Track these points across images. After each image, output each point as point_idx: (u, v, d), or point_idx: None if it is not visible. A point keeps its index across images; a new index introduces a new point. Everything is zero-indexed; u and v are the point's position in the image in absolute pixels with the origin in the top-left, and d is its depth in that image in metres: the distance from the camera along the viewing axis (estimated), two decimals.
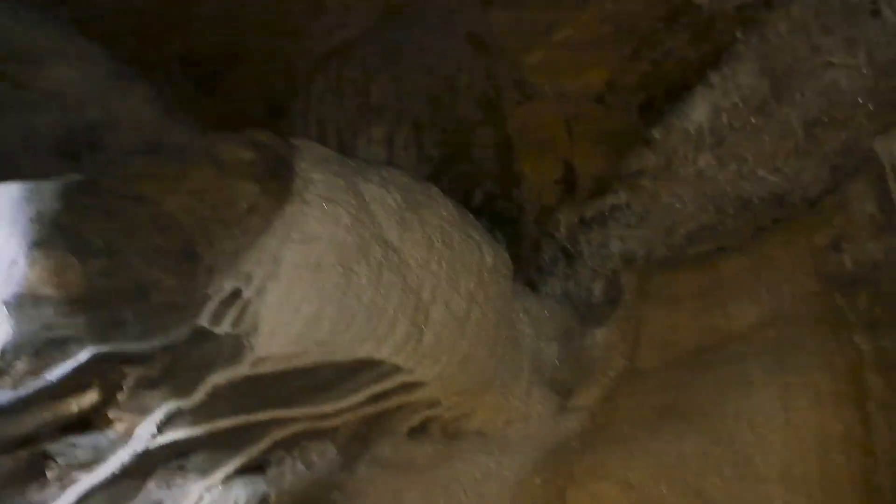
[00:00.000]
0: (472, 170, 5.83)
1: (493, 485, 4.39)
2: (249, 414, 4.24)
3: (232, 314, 3.75)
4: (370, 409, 4.68)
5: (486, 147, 5.79)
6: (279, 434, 4.55)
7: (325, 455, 4.72)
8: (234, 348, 3.85)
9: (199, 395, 3.90)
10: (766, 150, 5.02)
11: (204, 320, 3.73)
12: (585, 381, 5.39)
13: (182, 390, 3.95)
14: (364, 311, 3.98)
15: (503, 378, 4.94)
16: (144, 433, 4.05)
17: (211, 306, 3.72)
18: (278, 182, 3.91)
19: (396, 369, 4.47)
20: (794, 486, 3.86)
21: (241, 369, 3.85)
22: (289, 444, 4.72)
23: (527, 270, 6.43)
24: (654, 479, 4.12)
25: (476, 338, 4.66)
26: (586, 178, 5.68)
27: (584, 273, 6.29)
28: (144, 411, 4.02)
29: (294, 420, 4.54)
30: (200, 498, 4.54)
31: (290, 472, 4.63)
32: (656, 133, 5.10)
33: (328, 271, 3.87)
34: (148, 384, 3.94)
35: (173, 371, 3.90)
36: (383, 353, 4.17)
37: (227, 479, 4.58)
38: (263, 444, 4.55)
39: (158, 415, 4.00)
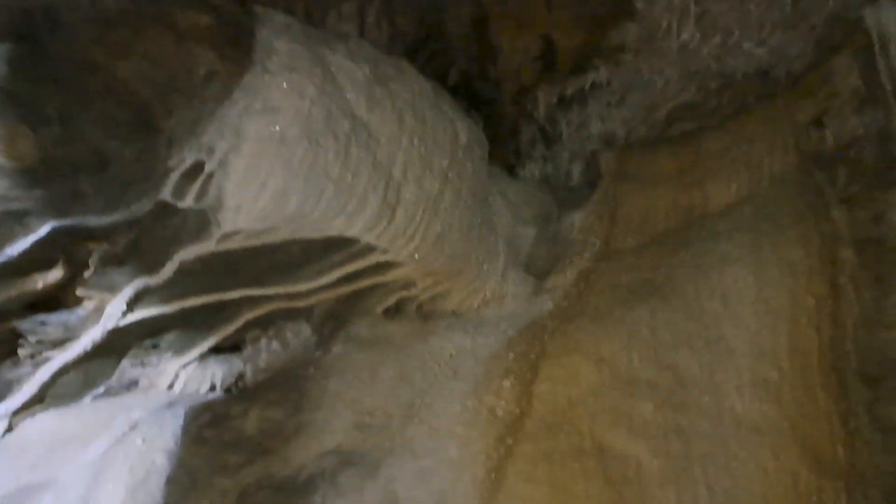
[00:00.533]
0: (447, 47, 5.57)
1: (467, 360, 4.43)
2: (220, 292, 4.20)
3: (195, 188, 3.63)
4: (345, 289, 4.66)
5: (461, 22, 5.52)
6: (252, 313, 4.53)
7: (300, 334, 4.73)
8: (200, 224, 3.75)
9: (166, 271, 3.83)
10: (751, 21, 4.82)
11: (166, 194, 3.61)
12: (561, 263, 5.39)
13: (149, 267, 3.88)
14: (332, 187, 3.87)
15: (478, 260, 4.91)
16: (115, 311, 4.01)
17: (172, 179, 3.59)
18: (238, 49, 3.70)
19: (370, 249, 4.41)
20: (763, 358, 3.91)
21: (208, 245, 3.77)
22: (264, 324, 4.72)
23: (504, 154, 6.31)
24: (625, 352, 4.16)
25: (450, 218, 4.59)
26: (566, 55, 5.46)
27: (562, 156, 6.19)
28: (113, 289, 3.96)
29: (267, 299, 4.51)
30: (176, 376, 4.57)
31: (266, 350, 4.65)
32: (639, 3, 4.86)
33: (293, 145, 3.72)
34: (114, 261, 3.86)
35: (139, 247, 3.81)
36: (355, 231, 4.10)
37: (203, 358, 4.61)
38: (237, 323, 4.54)
39: (127, 292, 3.95)
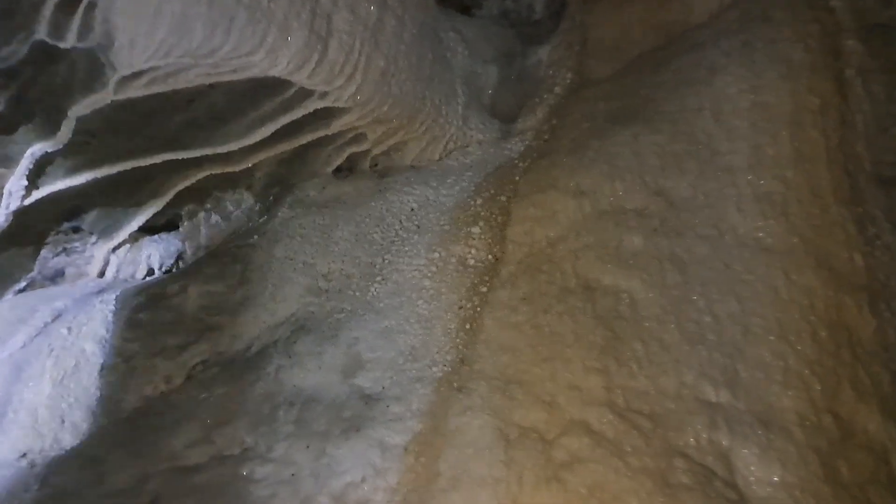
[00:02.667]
0: None
1: (431, 212, 3.93)
2: (136, 158, 3.60)
3: (75, 22, 2.96)
4: (285, 147, 4.09)
5: None
6: (182, 183, 3.97)
7: (241, 204, 4.19)
8: (91, 69, 3.12)
9: (64, 132, 3.24)
10: None
11: (42, 32, 2.95)
12: (530, 103, 4.82)
13: (42, 128, 3.28)
14: (245, 13, 3.22)
15: (434, 102, 4.32)
16: (15, 188, 3.42)
17: (45, 13, 2.92)
18: None
19: (305, 93, 3.81)
20: (765, 170, 3.43)
21: (105, 95, 3.15)
22: (200, 197, 4.17)
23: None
24: (608, 182, 3.67)
25: (394, 50, 3.95)
26: None
27: None
28: (8, 162, 3.36)
29: (195, 164, 3.94)
30: (106, 262, 4.05)
31: (205, 225, 4.12)
32: None
33: None
34: (1, 127, 3.23)
35: (26, 105, 3.18)
36: (281, 69, 3.47)
37: (135, 239, 4.07)
38: (166, 196, 3.99)
39: (25, 164, 3.35)
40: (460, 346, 3.18)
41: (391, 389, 3.03)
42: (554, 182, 3.76)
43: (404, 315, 3.34)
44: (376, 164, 4.53)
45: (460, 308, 3.35)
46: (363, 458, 2.74)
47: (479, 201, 3.90)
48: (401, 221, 3.93)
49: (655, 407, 2.79)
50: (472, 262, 3.58)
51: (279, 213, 4.00)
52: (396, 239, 3.82)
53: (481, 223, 3.72)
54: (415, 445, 2.85)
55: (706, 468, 2.59)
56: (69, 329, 3.38)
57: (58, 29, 2.99)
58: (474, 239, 3.66)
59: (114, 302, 3.56)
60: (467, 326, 3.27)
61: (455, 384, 3.03)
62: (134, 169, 3.67)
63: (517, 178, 3.98)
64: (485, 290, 3.43)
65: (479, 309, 3.33)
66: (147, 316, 3.48)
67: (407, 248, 3.72)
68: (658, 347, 2.97)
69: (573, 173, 3.77)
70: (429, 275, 3.53)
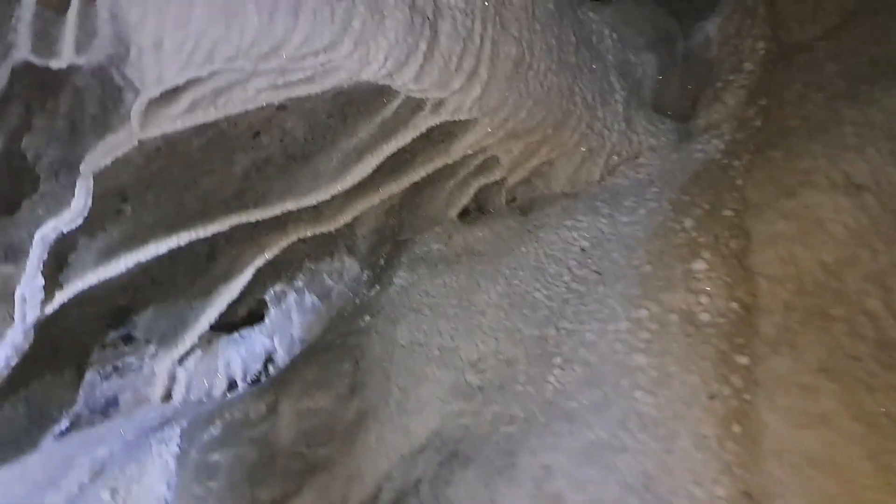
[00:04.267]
0: None
1: (613, 249, 2.65)
2: (191, 226, 2.51)
3: (70, 27, 1.94)
4: (392, 189, 2.93)
5: None
6: (262, 256, 2.86)
7: (343, 275, 3.03)
8: (103, 94, 2.09)
9: (80, 198, 2.19)
10: None
11: (23, 48, 1.94)
12: (708, 92, 3.49)
13: (51, 197, 2.25)
14: None
15: (586, 101, 3.09)
16: (32, 292, 2.40)
17: (24, 15, 1.91)
18: None
19: (414, 106, 2.67)
20: None
21: (128, 133, 2.09)
22: (287, 272, 3.06)
23: None
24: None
25: (528, 32, 2.79)
26: None
27: None
28: (14, 256, 2.36)
29: (277, 228, 2.83)
30: (172, 378, 2.96)
31: (298, 311, 2.98)
32: None
33: None
34: None
35: (20, 165, 2.17)
36: (377, 67, 2.34)
37: (208, 342, 2.97)
38: (242, 276, 2.89)
39: (38, 254, 2.33)
40: (734, 468, 1.82)
41: None
42: (807, 177, 2.42)
43: (617, 419, 2.03)
44: (513, 199, 3.32)
45: (711, 397, 2.01)
46: None
47: (688, 223, 2.58)
48: (570, 269, 2.66)
49: None
50: (705, 316, 2.24)
51: (395, 280, 2.82)
52: (570, 295, 2.55)
53: (705, 254, 2.40)
54: None
55: None
56: (113, 492, 2.27)
57: (45, 39, 1.97)
58: (699, 280, 2.33)
59: (178, 440, 2.44)
60: (735, 429, 1.91)
61: None
62: (191, 244, 2.59)
63: (738, 181, 2.65)
64: (745, 360, 2.08)
65: (746, 396, 1.98)
66: (224, 457, 2.33)
67: (592, 308, 2.44)
68: None
69: (834, 160, 2.42)
70: (640, 346, 2.22)
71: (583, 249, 2.73)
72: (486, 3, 2.67)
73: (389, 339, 2.50)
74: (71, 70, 2.03)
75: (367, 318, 2.66)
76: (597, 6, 3.80)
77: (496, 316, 2.51)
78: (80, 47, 1.99)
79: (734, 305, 2.25)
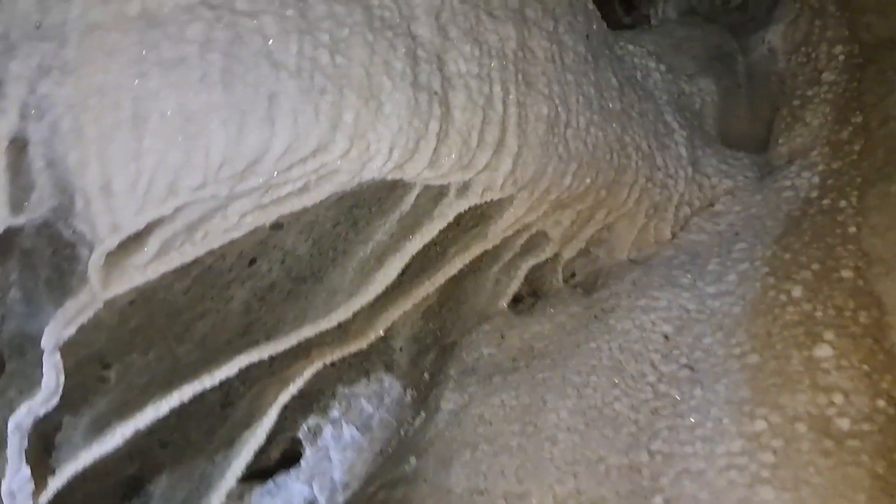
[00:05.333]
0: None
1: (705, 335, 2.15)
2: (193, 377, 2.13)
3: (0, 184, 1.61)
4: (426, 289, 2.52)
5: None
6: (286, 391, 2.46)
7: (384, 397, 2.61)
8: (54, 254, 1.73)
9: (50, 375, 1.83)
10: None
11: None
12: (784, 112, 2.97)
13: (21, 377, 1.91)
14: (293, 82, 1.76)
15: (641, 149, 2.63)
16: (19, 485, 2.06)
17: None
18: None
19: (436, 195, 2.27)
20: None
21: (89, 295, 1.72)
22: (318, 402, 2.64)
23: (611, 16, 4.00)
24: None
25: (560, 85, 2.36)
26: None
27: None
28: None
29: (299, 358, 2.43)
30: None
31: (335, 448, 2.56)
32: None
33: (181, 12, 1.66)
34: None
35: None
36: (381, 161, 1.95)
37: (239, 497, 2.57)
38: (268, 418, 2.48)
39: (17, 444, 1.99)
40: None
41: None
42: None
43: None
44: (573, 275, 2.84)
45: None
46: None
47: (796, 292, 2.06)
48: (654, 365, 2.16)
49: None
50: (844, 423, 1.71)
51: (442, 403, 2.37)
52: (660, 403, 2.05)
53: (828, 335, 1.87)
54: None
55: None
56: None
57: None
58: (827, 371, 1.80)
59: None
60: None
61: None
62: (199, 395, 2.20)
63: (851, 227, 2.12)
64: None
65: None
66: None
67: (691, 420, 1.93)
68: None
69: None
70: (764, 474, 1.70)
71: (666, 337, 2.23)
72: (504, 62, 2.25)
73: (442, 489, 2.03)
74: (11, 233, 1.69)
75: (413, 460, 2.20)
76: (636, 35, 3.35)
77: (571, 442, 2.01)
78: (15, 206, 1.66)
79: (881, 404, 1.71)
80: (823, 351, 1.84)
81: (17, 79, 1.60)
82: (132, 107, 1.63)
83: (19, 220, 1.68)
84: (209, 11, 1.76)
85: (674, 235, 2.75)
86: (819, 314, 1.93)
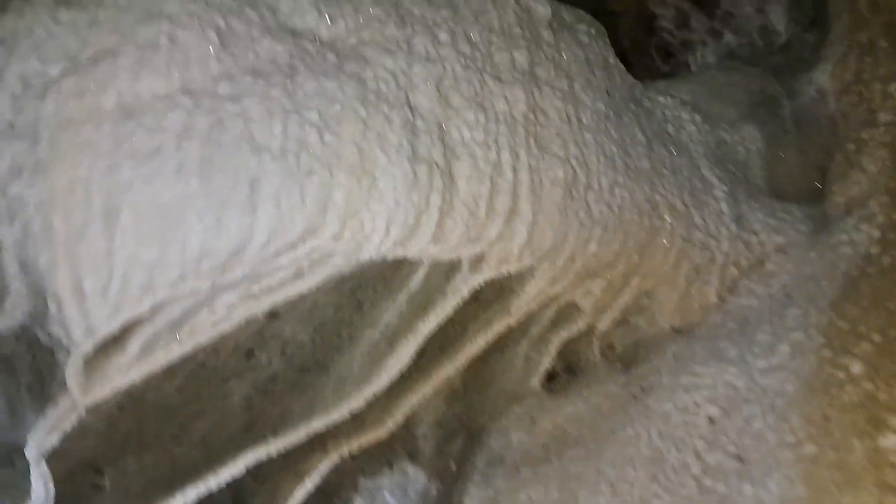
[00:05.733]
0: None
1: (756, 414, 1.89)
2: (196, 479, 2.01)
3: None
4: (447, 370, 2.34)
5: None
6: (300, 486, 2.31)
7: (408, 490, 2.43)
8: (33, 359, 1.66)
9: (38, 487, 1.76)
10: None
11: None
12: (838, 158, 2.72)
13: (14, 488, 1.83)
14: (274, 163, 1.66)
15: (675, 212, 2.42)
16: None
17: None
18: None
19: (446, 271, 2.12)
20: None
21: (69, 401, 1.63)
22: (338, 496, 2.47)
23: (646, 60, 3.84)
24: None
25: (576, 146, 2.20)
26: None
27: (742, 13, 3.60)
28: None
29: (316, 450, 2.28)
30: None
31: None
32: None
33: (144, 111, 1.60)
34: None
35: None
36: (378, 240, 1.83)
37: None
38: None
39: None
40: None
41: None
42: None
43: None
44: (612, 346, 2.60)
45: None
46: None
47: (855, 368, 1.79)
48: (698, 455, 1.91)
49: None
50: None
51: (466, 499, 2.16)
52: (704, 499, 1.78)
53: (895, 421, 1.58)
54: None
55: None
56: None
57: None
58: (895, 466, 1.52)
59: None
60: None
61: None
62: (207, 497, 2.06)
63: None
64: None
65: None
66: None
67: None
68: None
69: None
70: None
71: (711, 420, 1.97)
72: (513, 126, 2.12)
73: None
74: None
75: None
76: (670, 85, 3.17)
77: None
78: None
79: None
80: (889, 441, 1.56)
81: None
82: (103, 202, 1.56)
83: None
84: (188, 98, 1.70)
85: (721, 300, 2.50)
86: (883, 396, 1.65)
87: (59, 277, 1.55)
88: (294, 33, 1.99)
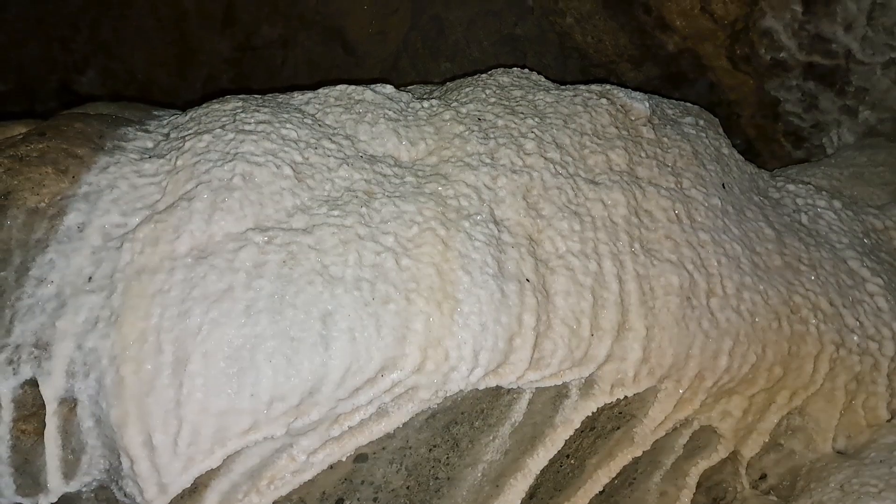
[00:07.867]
0: None
1: None
2: None
3: (51, 448, 1.52)
4: None
5: None
6: None
7: None
8: None
9: None
10: None
11: (7, 490, 1.53)
12: None
13: None
14: (348, 297, 1.57)
15: (821, 313, 2.08)
16: None
17: (2, 453, 1.53)
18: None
19: (553, 397, 1.89)
20: None
21: None
22: None
23: (774, 147, 3.55)
24: None
25: (688, 251, 1.96)
26: None
27: (873, 78, 3.27)
28: None
29: None
30: None
31: None
32: None
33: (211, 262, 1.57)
34: None
35: None
36: (466, 371, 1.66)
37: None
38: None
39: None
40: None
41: None
42: None
43: None
44: (763, 475, 2.20)
45: None
46: None
47: None
48: None
49: None
50: None
51: None
52: None
53: None
54: None
55: None
56: None
57: (28, 472, 1.55)
58: None
59: None
60: None
61: None
62: None
63: None
64: None
65: None
66: None
67: None
68: None
69: None
70: None
71: None
72: (614, 232, 1.91)
73: None
74: (67, 500, 1.56)
75: None
76: (801, 171, 2.87)
77: None
78: (68, 471, 1.54)
79: None
80: None
81: (64, 336, 1.54)
82: (173, 350, 1.50)
83: (71, 487, 1.55)
84: (260, 235, 1.65)
85: (893, 415, 2.07)
86: None
87: (129, 431, 1.48)
88: (372, 160, 1.94)
